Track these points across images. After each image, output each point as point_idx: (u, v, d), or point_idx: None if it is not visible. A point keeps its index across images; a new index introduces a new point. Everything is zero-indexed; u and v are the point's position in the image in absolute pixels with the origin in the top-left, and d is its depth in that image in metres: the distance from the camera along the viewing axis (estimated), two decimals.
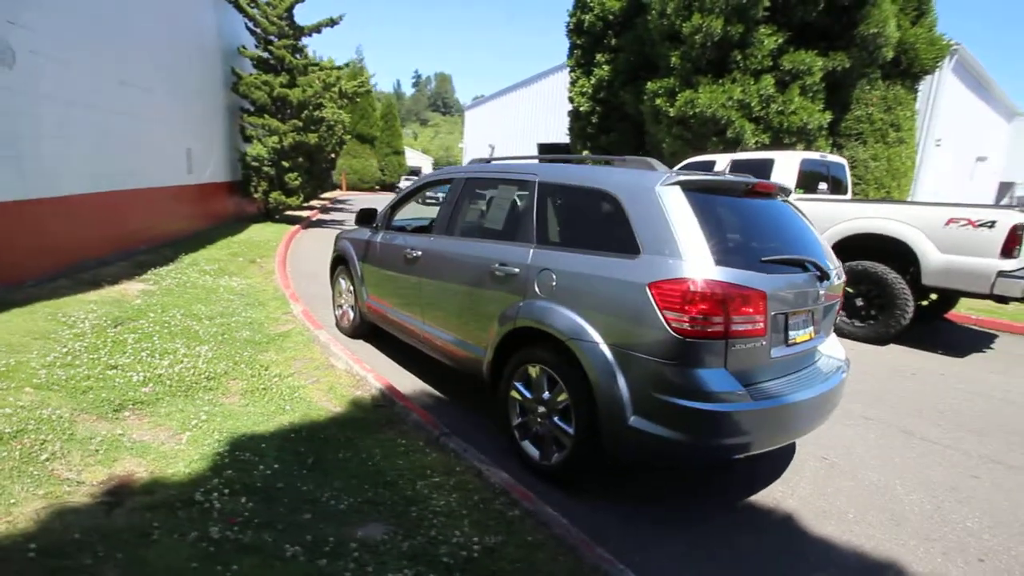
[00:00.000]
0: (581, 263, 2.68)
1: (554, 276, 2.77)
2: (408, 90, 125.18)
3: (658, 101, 10.91)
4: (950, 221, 5.64)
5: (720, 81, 10.22)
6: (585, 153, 14.48)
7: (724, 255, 2.36)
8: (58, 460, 2.46)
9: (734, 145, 10.36)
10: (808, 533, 2.51)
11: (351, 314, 5.12)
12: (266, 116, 12.44)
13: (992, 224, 5.40)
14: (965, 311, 7.25)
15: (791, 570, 2.27)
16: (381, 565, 2.00)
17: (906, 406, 4.09)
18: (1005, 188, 21.84)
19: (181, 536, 2.03)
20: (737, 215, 2.70)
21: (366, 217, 4.74)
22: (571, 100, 14.52)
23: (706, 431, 2.30)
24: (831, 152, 10.74)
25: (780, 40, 9.87)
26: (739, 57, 10.02)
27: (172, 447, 2.75)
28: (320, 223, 15.85)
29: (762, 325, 2.40)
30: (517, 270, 2.99)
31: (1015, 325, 6.82)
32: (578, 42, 14.32)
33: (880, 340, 5.83)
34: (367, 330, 5.01)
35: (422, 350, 3.98)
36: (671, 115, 10.71)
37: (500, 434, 3.18)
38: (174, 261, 7.37)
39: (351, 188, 38.91)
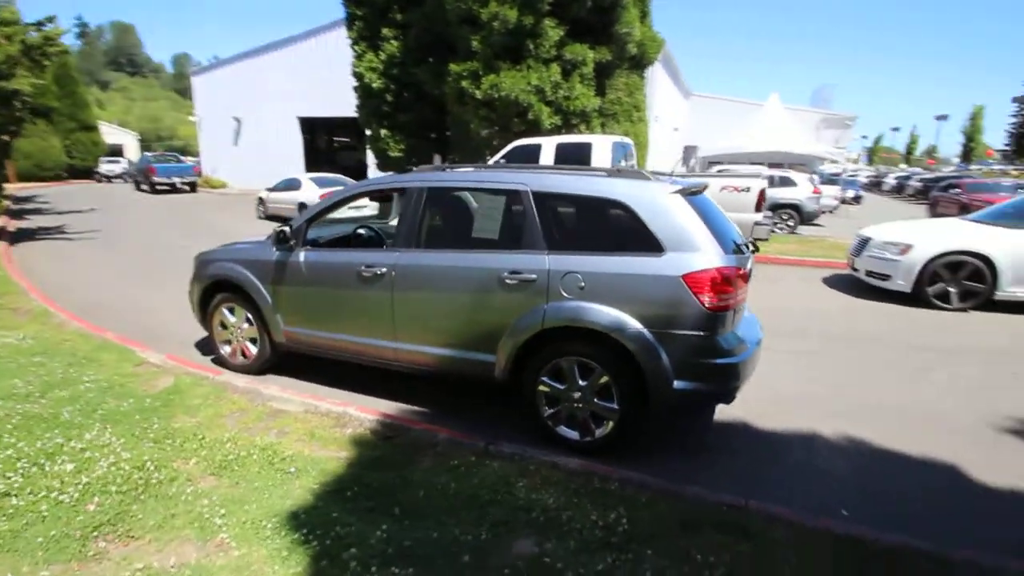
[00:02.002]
0: (607, 264, 3.04)
1: (581, 278, 3.06)
2: (71, 43, 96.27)
3: (463, 83, 11.31)
4: (723, 188, 7.70)
5: (518, 67, 11.15)
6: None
7: (721, 245, 3.03)
8: None
9: (534, 126, 11.56)
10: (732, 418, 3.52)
11: (251, 348, 4.35)
12: None
13: (748, 189, 7.60)
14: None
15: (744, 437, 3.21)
16: (588, 559, 2.13)
17: None
18: (689, 151, 29.24)
19: None
20: (705, 211, 3.41)
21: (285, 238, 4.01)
22: (359, 76, 13.76)
23: (730, 378, 3.00)
24: (601, 131, 12.89)
25: (561, 33, 11.25)
26: (532, 46, 11.07)
27: (231, 560, 2.18)
28: (35, 234, 11.84)
29: (744, 294, 3.19)
30: (534, 276, 3.17)
31: (803, 260, 9.39)
32: (358, 12, 13.52)
33: None
34: (274, 362, 4.36)
35: (377, 366, 3.79)
36: (477, 97, 11.26)
37: (520, 428, 3.38)
38: None
39: (24, 179, 28.92)
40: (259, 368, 4.36)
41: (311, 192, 13.44)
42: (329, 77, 23.21)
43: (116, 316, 5.92)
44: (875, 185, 35.93)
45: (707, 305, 2.88)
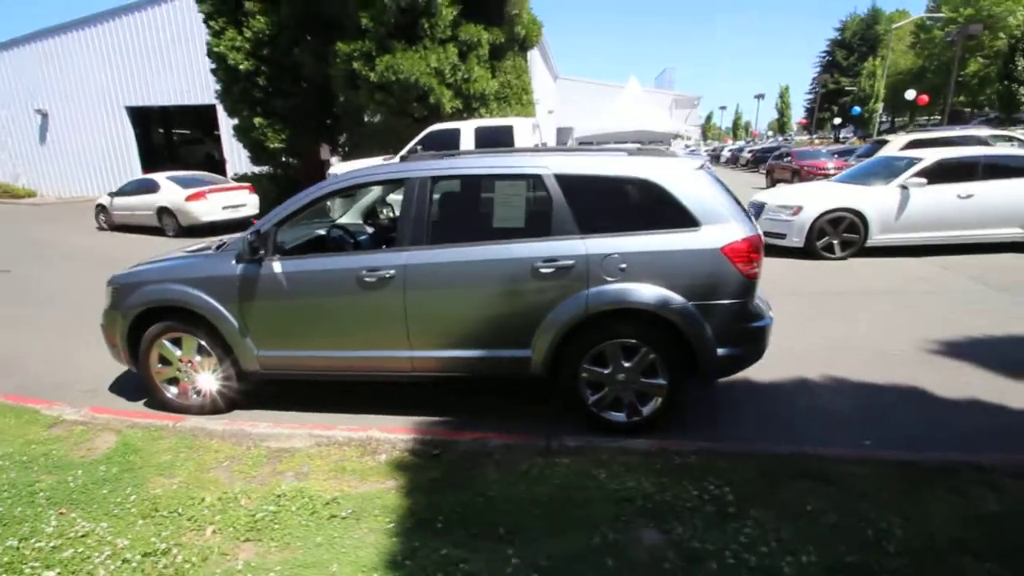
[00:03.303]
0: (647, 243, 3.02)
1: (621, 259, 3.02)
2: None
3: (355, 65, 10.45)
4: None
5: (414, 47, 10.58)
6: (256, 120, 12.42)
7: (746, 215, 3.18)
8: None
9: (435, 111, 11.12)
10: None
11: (212, 384, 3.62)
12: None
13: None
14: None
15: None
16: (720, 534, 2.11)
17: None
18: (564, 132, 30.46)
19: None
20: (721, 184, 3.52)
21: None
22: (220, 56, 11.98)
23: (763, 340, 3.20)
24: (499, 114, 12.84)
25: (455, 12, 10.88)
26: (427, 25, 10.56)
27: None
28: None
29: None
30: (572, 262, 3.05)
31: None
32: None
33: None
34: (243, 394, 3.70)
35: (385, 380, 3.44)
36: (372, 80, 10.49)
37: (560, 418, 3.29)
38: None
39: None
40: (228, 403, 3.65)
41: (173, 194, 11.53)
42: (162, 61, 20.05)
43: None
44: (715, 158, 40.94)
45: (745, 273, 3.01)
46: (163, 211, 11.54)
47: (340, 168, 10.03)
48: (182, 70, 19.92)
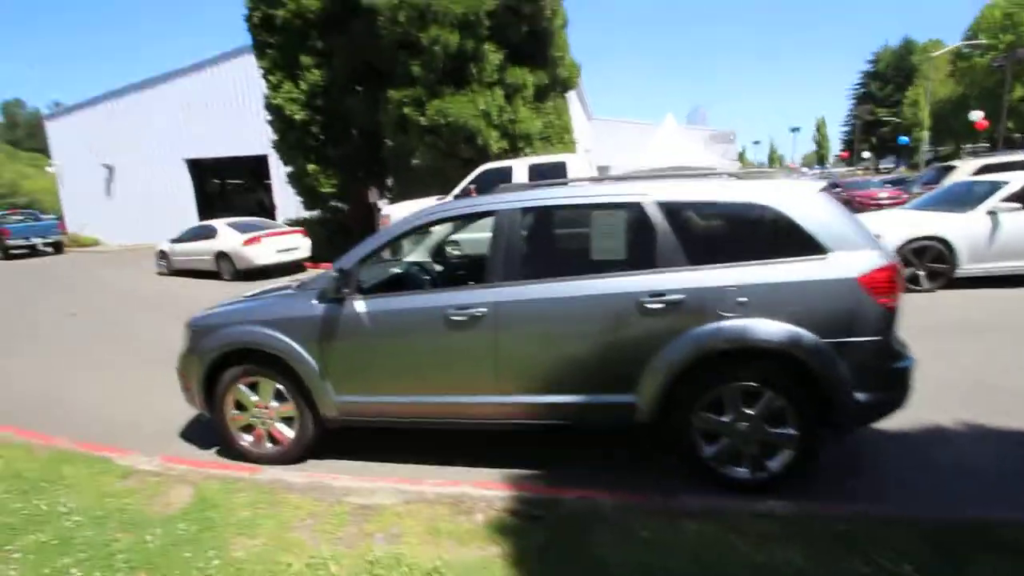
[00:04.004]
0: (767, 274, 2.72)
1: (740, 292, 2.71)
2: None
3: (406, 110, 10.71)
4: None
5: (462, 91, 10.80)
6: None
7: (877, 241, 2.85)
8: None
9: (483, 151, 11.22)
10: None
11: (285, 431, 3.43)
12: None
13: None
14: None
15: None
16: None
17: None
18: (603, 171, 30.58)
19: None
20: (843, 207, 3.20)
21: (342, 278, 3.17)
22: (277, 108, 12.54)
23: (907, 383, 2.79)
24: (544, 153, 12.88)
25: (501, 57, 11.12)
26: (475, 70, 10.80)
27: None
28: None
29: None
30: (682, 296, 2.76)
31: None
32: (270, 40, 12.40)
33: None
34: (317, 444, 3.49)
35: (469, 428, 3.16)
36: (422, 124, 10.70)
37: (669, 472, 2.92)
38: None
39: None
40: (297, 454, 3.45)
41: (231, 239, 11.87)
42: (219, 115, 21.25)
43: (38, 414, 4.51)
44: None
45: (885, 306, 2.66)
46: (220, 255, 11.87)
47: (392, 210, 10.13)
48: (236, 124, 21.02)
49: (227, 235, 12.00)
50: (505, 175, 8.57)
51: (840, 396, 2.68)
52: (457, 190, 9.18)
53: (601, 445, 3.49)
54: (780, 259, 2.74)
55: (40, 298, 11.01)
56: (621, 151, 30.17)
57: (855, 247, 2.72)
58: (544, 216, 3.19)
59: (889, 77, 55.83)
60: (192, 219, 21.16)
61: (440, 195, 9.67)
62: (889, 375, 2.73)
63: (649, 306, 2.78)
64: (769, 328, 2.67)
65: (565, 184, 3.21)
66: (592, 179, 3.22)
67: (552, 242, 3.29)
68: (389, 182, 13.96)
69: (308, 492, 2.97)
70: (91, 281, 13.05)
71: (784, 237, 2.76)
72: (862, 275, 2.65)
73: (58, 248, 20.38)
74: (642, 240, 2.94)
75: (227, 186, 28.98)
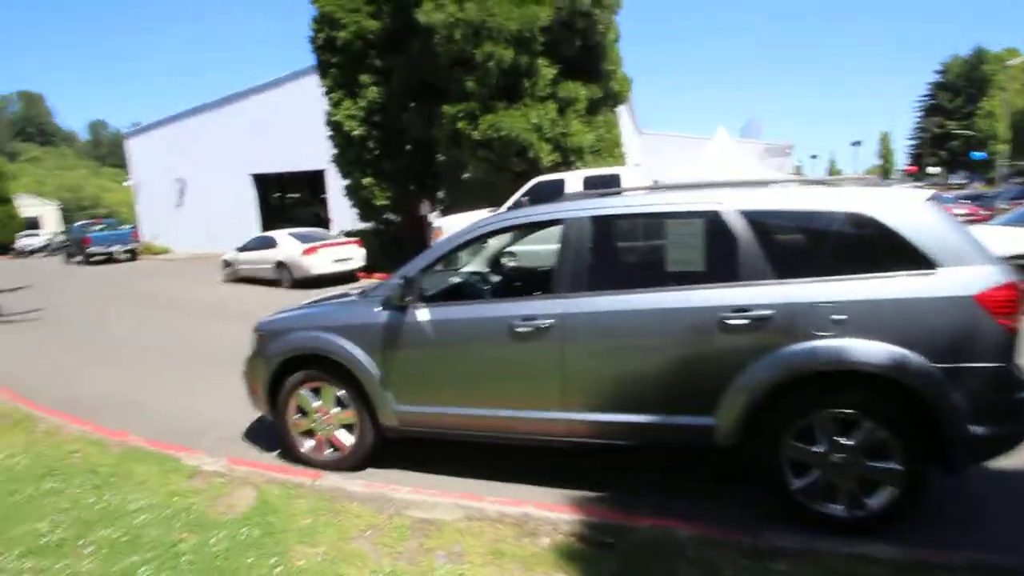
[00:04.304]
0: (868, 290, 2.48)
1: (836, 309, 2.48)
2: None
3: (460, 124, 10.85)
4: None
5: (515, 106, 10.85)
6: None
7: (993, 257, 2.56)
8: None
9: (534, 165, 11.20)
10: None
11: (344, 438, 3.41)
12: None
13: None
14: None
15: None
16: None
17: None
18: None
19: None
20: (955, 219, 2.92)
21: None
22: (336, 125, 13.00)
23: None
24: (595, 166, 12.74)
25: (555, 72, 11.13)
26: (528, 85, 10.85)
27: None
28: None
29: None
30: (770, 312, 2.55)
31: None
32: (332, 60, 12.93)
33: None
34: (376, 453, 3.44)
35: (532, 445, 3.01)
36: (475, 138, 10.80)
37: (750, 503, 2.68)
38: None
39: None
40: (357, 462, 3.42)
41: (291, 249, 12.32)
42: (281, 132, 22.28)
43: (112, 412, 4.71)
44: None
45: (1006, 327, 2.36)
46: (280, 264, 12.32)
47: (444, 222, 10.22)
48: (297, 141, 21.98)
49: (287, 245, 12.46)
50: (558, 188, 8.48)
51: (952, 429, 2.38)
52: (509, 203, 9.17)
53: (669, 470, 3.28)
54: (882, 274, 2.49)
55: (115, 302, 11.72)
56: (670, 165, 29.63)
57: (969, 262, 2.44)
58: (615, 225, 3.06)
59: (959, 88, 52.41)
60: (254, 230, 22.16)
61: (492, 208, 9.68)
62: (1010, 406, 2.41)
63: (731, 322, 2.59)
64: (870, 350, 2.42)
65: (636, 192, 3.06)
66: (666, 187, 3.06)
67: (623, 252, 3.16)
68: (440, 195, 14.17)
69: (368, 502, 2.91)
70: (161, 288, 13.82)
71: (887, 250, 2.52)
72: (980, 293, 2.37)
73: (133, 255, 21.80)
74: (723, 251, 2.75)
75: (286, 200, 30.31)
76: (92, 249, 20.63)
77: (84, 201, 58.40)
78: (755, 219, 2.69)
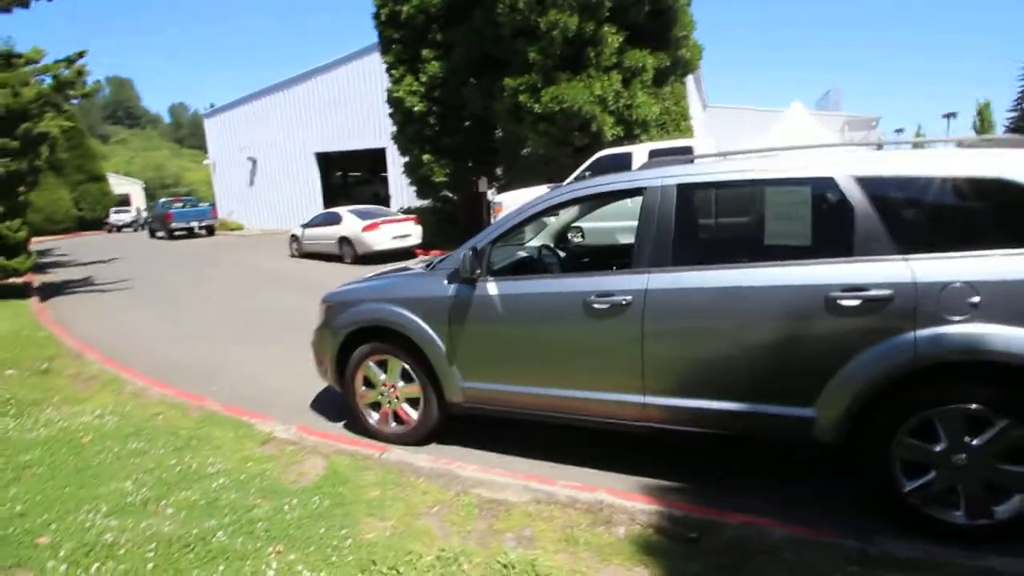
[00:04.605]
0: (1011, 268, 2.10)
1: (971, 290, 2.12)
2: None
3: (521, 98, 10.59)
4: None
5: (578, 77, 10.43)
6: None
7: None
8: None
9: (596, 138, 10.78)
10: None
11: (409, 412, 3.37)
12: None
13: None
14: None
15: None
16: None
17: None
18: None
19: None
20: None
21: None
22: (398, 101, 13.04)
23: None
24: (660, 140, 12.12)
25: (621, 39, 10.58)
26: (592, 54, 10.39)
27: None
28: (62, 288, 10.93)
29: None
30: (890, 292, 2.22)
31: None
32: (395, 35, 12.92)
33: None
34: (439, 429, 3.37)
35: (607, 428, 2.81)
36: (536, 111, 10.51)
37: (844, 502, 2.39)
38: None
39: (36, 233, 28.08)
40: (421, 437, 3.38)
41: (353, 225, 12.60)
42: (344, 111, 22.77)
43: (191, 377, 4.94)
44: None
45: None
46: (343, 240, 12.64)
47: (503, 198, 10.07)
48: (359, 120, 22.42)
49: (350, 221, 12.75)
50: (624, 162, 8.09)
51: None
52: (571, 178, 8.87)
53: (758, 462, 3.02)
54: (1015, 247, 2.10)
55: (195, 272, 12.47)
56: (742, 140, 27.97)
57: None
58: (704, 194, 2.79)
59: None
60: (319, 208, 23.00)
61: (552, 183, 9.42)
62: None
63: (843, 302, 2.28)
64: (1013, 337, 2.06)
65: (735, 157, 2.74)
66: (765, 151, 2.73)
67: (713, 224, 2.87)
68: (499, 172, 14.00)
69: (435, 478, 2.85)
70: (235, 260, 14.57)
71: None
72: None
73: (210, 231, 23.17)
74: (834, 222, 2.43)
75: (348, 178, 31.17)
76: (174, 225, 22.07)
77: (167, 180, 62.76)
78: (873, 186, 2.34)
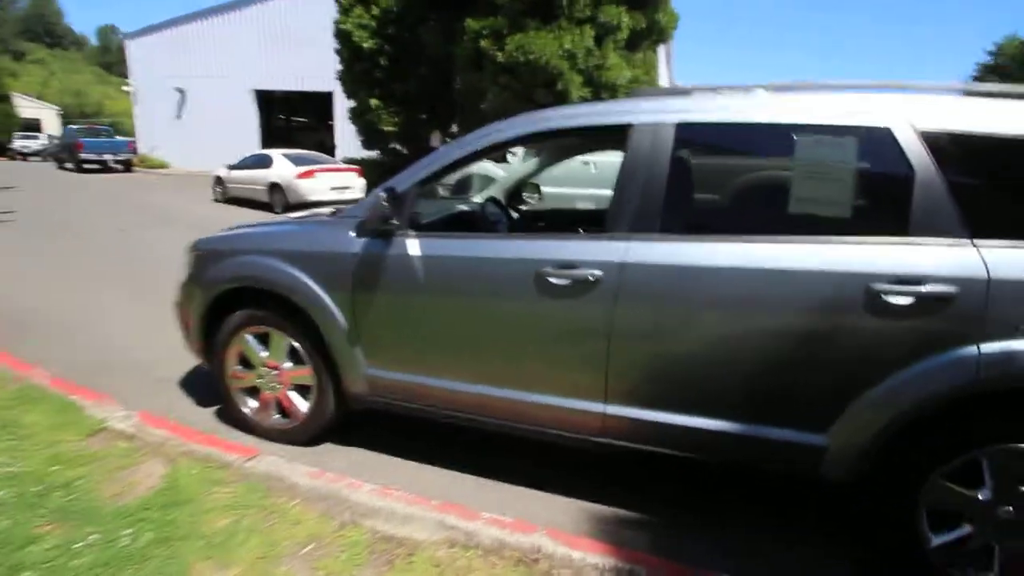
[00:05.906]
0: None
1: None
2: None
3: (483, 43, 9.54)
4: None
5: (548, 27, 9.48)
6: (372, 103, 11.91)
7: None
8: None
9: (561, 98, 9.93)
10: None
11: (300, 404, 2.56)
12: None
13: None
14: None
15: None
16: None
17: None
18: None
19: None
20: None
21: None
22: (345, 35, 11.62)
23: None
24: None
25: None
26: (565, 3, 9.43)
27: None
28: None
29: None
30: (953, 289, 1.62)
31: None
32: None
33: None
34: (337, 425, 2.60)
35: (550, 441, 2.13)
36: (499, 61, 9.51)
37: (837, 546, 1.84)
38: None
39: None
40: (311, 435, 2.59)
41: (285, 170, 11.29)
42: (290, 48, 20.63)
43: (37, 332, 3.89)
44: None
45: None
46: (274, 187, 11.31)
47: None
48: (306, 59, 20.35)
49: (282, 166, 11.41)
50: None
51: None
52: None
53: (732, 486, 2.43)
54: None
55: (98, 211, 10.80)
56: None
57: None
58: (710, 139, 2.06)
59: (1013, 73, 48.63)
60: (255, 151, 21.00)
61: None
62: None
63: (890, 298, 1.66)
64: None
65: (755, 92, 2.01)
66: (804, 84, 2.03)
67: (719, 181, 2.17)
68: (454, 128, 12.92)
69: (314, 501, 2.08)
70: (149, 203, 12.85)
71: None
72: None
73: (127, 166, 20.69)
74: (886, 189, 1.79)
75: (292, 123, 28.80)
76: (84, 155, 19.51)
77: (87, 108, 56.40)
78: (945, 144, 1.70)
